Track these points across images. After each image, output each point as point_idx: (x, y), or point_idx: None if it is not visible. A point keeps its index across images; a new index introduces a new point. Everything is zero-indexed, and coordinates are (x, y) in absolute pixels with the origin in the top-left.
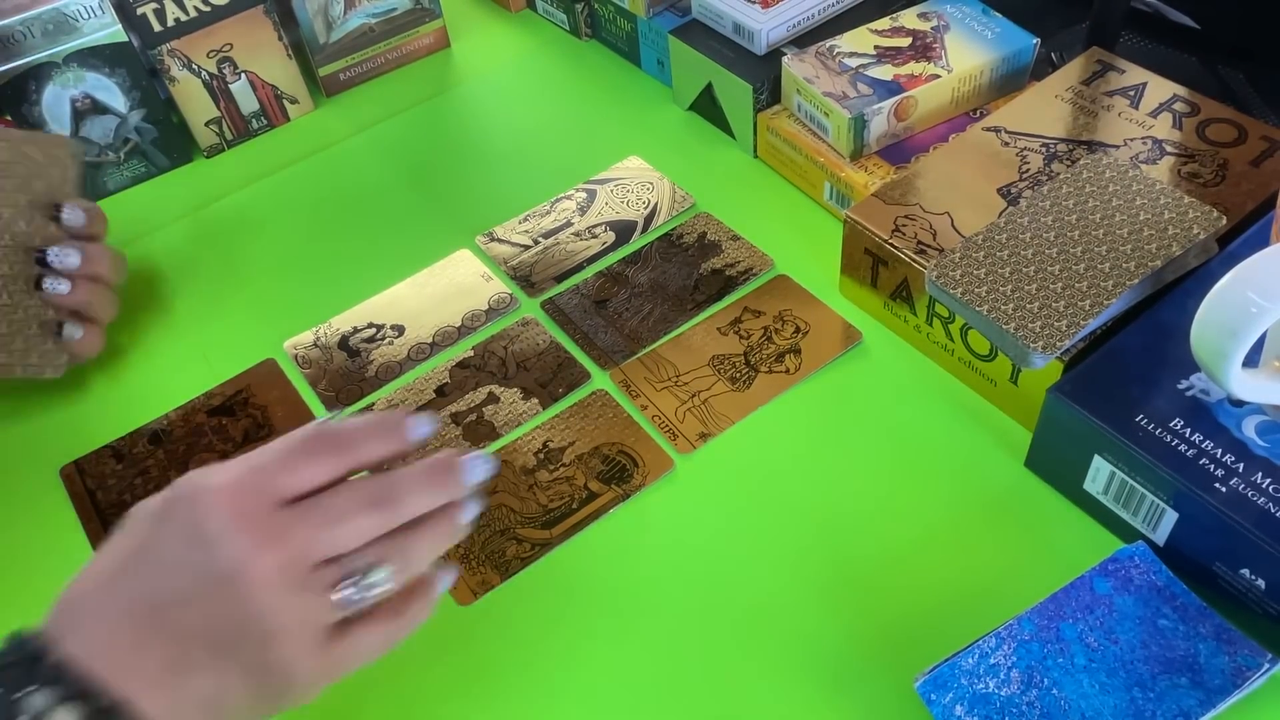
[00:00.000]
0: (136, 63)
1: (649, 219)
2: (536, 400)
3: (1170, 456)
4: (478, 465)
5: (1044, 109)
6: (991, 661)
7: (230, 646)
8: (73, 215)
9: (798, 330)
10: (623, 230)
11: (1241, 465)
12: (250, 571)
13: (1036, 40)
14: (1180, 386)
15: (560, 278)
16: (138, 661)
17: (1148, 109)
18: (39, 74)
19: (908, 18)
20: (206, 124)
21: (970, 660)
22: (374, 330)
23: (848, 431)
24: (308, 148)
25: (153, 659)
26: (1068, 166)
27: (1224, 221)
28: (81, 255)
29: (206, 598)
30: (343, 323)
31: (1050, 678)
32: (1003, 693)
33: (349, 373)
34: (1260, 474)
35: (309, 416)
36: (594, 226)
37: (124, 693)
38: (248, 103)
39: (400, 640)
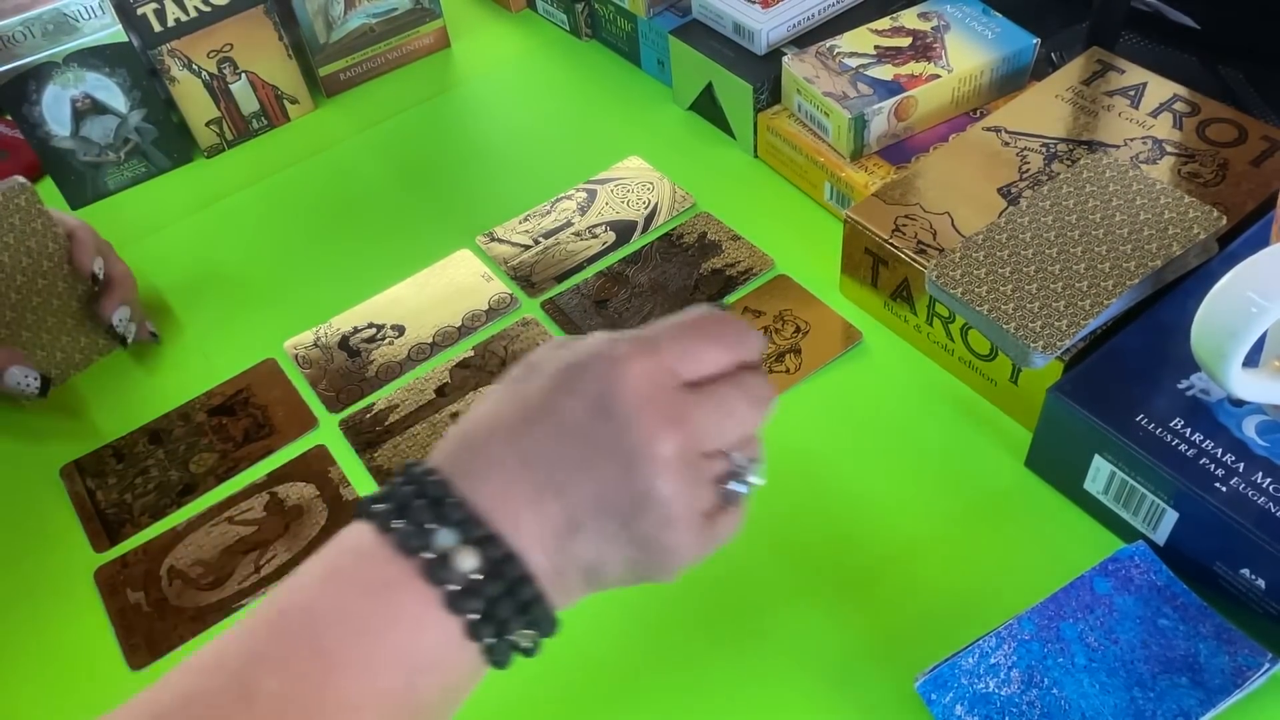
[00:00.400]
0: (137, 63)
1: (649, 219)
2: None
3: (1170, 456)
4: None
5: (1044, 109)
6: (992, 661)
7: (625, 520)
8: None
9: (798, 330)
10: (623, 230)
11: (1242, 465)
12: (658, 451)
13: (1036, 40)
14: (1180, 386)
15: (561, 278)
16: (533, 517)
17: (1148, 109)
18: (39, 74)
19: (908, 18)
20: (207, 124)
21: (970, 660)
22: (374, 330)
23: (847, 431)
24: (308, 148)
25: (548, 518)
26: (1068, 166)
27: (1224, 221)
28: (100, 260)
29: (610, 469)
30: (343, 322)
31: (1050, 677)
32: (1003, 692)
33: (349, 373)
34: (1260, 473)
35: (309, 417)
36: (594, 226)
37: (517, 545)
38: (248, 103)
39: (740, 528)
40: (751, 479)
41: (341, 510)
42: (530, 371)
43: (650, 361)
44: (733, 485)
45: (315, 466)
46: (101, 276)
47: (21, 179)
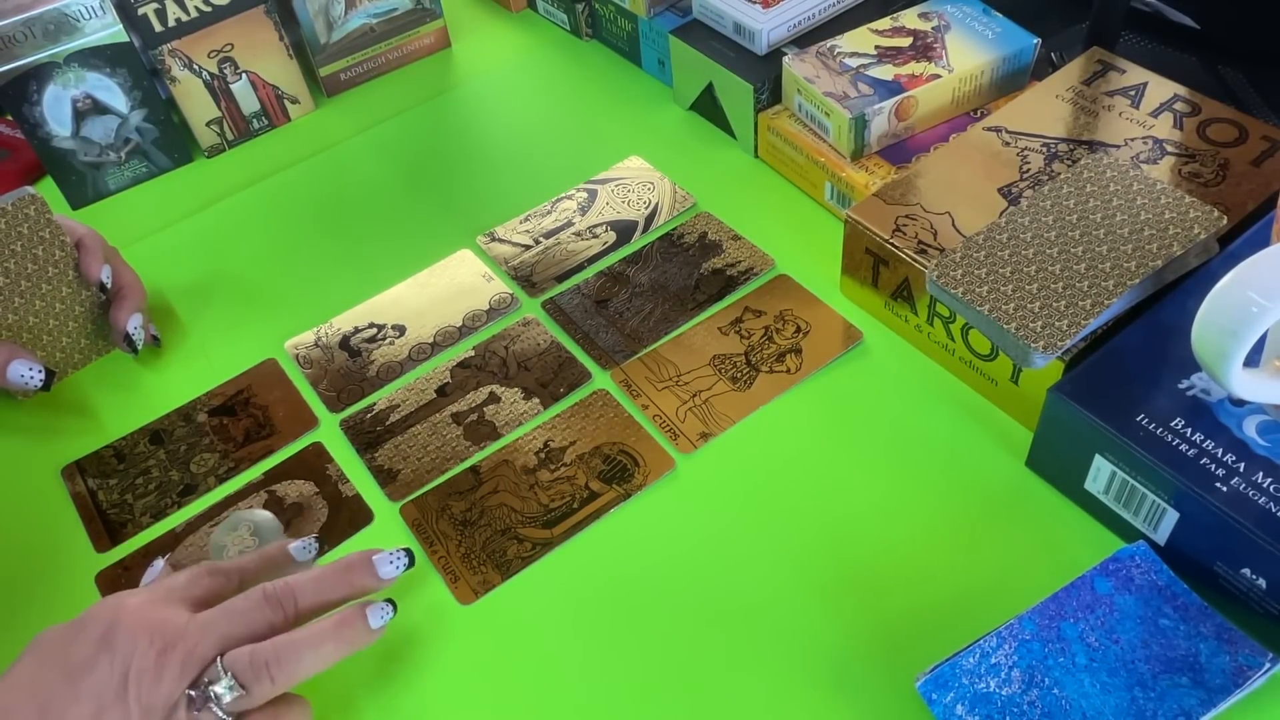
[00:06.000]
0: (137, 63)
1: (650, 219)
2: (537, 400)
3: (1171, 456)
4: (392, 560)
5: (1045, 109)
6: (993, 661)
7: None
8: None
9: (798, 330)
10: (624, 230)
11: (1242, 465)
12: (145, 676)
13: (1037, 40)
14: (1181, 386)
15: (561, 277)
16: None
17: (1148, 109)
18: (40, 74)
19: (908, 18)
20: (207, 124)
21: (971, 660)
22: (375, 330)
23: (848, 431)
24: (309, 148)
25: None
26: (1068, 166)
27: (1224, 221)
28: (109, 269)
29: (121, 698)
30: (344, 322)
31: (1051, 677)
32: (1004, 692)
33: (350, 373)
34: (1261, 473)
35: (310, 417)
36: (595, 226)
37: None
38: (249, 103)
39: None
40: (217, 689)
41: (342, 506)
42: (37, 645)
43: (150, 599)
44: (201, 693)
45: (312, 463)
46: (109, 285)
47: (31, 190)
